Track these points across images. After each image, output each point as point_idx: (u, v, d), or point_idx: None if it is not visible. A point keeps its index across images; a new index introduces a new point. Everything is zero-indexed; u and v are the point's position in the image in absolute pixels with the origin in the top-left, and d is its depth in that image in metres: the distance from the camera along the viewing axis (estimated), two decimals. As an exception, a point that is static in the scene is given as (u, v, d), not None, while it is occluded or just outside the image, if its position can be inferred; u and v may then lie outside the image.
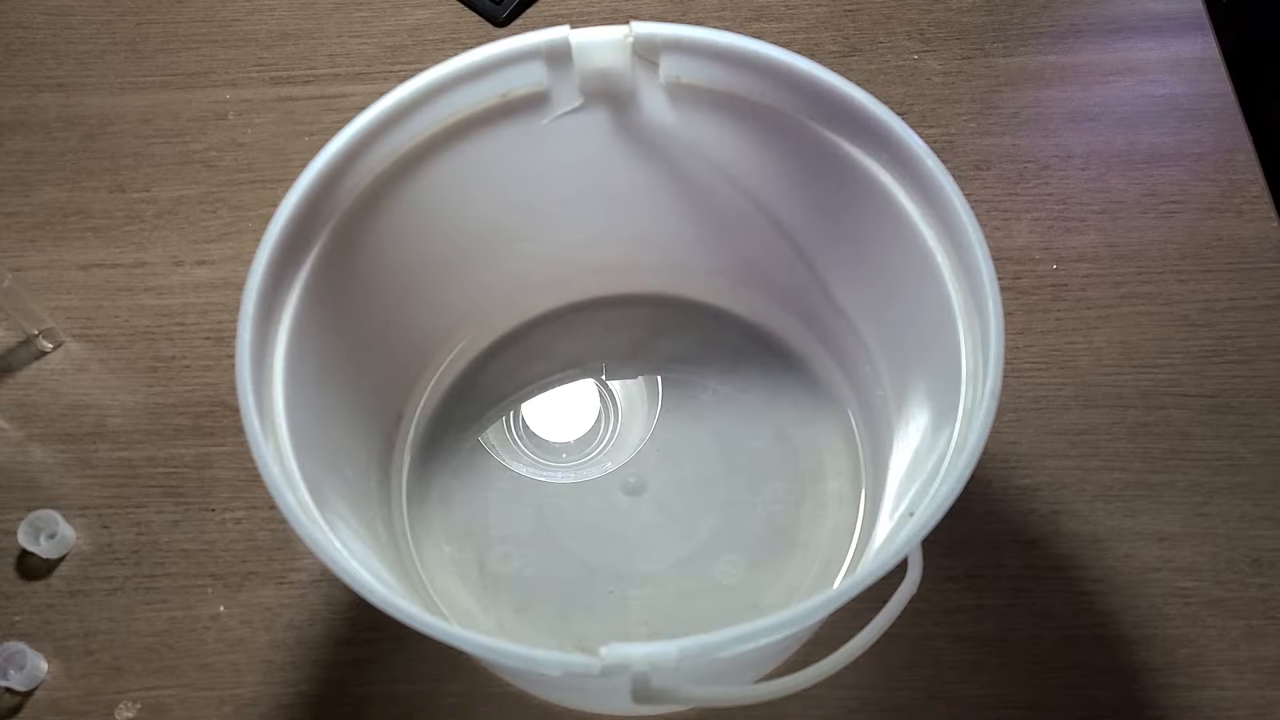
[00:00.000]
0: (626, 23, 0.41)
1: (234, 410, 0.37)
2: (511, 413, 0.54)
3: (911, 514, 0.35)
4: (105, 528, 0.53)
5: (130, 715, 0.49)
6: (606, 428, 0.54)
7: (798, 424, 0.53)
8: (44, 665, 0.49)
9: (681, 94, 0.43)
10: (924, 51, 0.66)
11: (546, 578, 0.50)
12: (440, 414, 0.54)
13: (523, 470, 0.53)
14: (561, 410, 0.54)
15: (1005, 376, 0.36)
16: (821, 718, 0.48)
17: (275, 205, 0.39)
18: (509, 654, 0.32)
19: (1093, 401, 0.54)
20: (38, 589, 0.51)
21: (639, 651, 0.32)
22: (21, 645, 0.49)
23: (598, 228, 0.51)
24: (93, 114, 0.64)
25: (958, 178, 0.37)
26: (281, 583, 0.51)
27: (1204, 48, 0.65)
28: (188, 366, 0.57)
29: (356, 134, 0.41)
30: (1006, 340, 0.37)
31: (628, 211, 0.49)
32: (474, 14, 0.68)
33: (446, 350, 0.54)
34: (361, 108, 0.41)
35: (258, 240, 0.39)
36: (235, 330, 0.37)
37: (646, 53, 0.41)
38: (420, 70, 0.41)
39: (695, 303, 0.56)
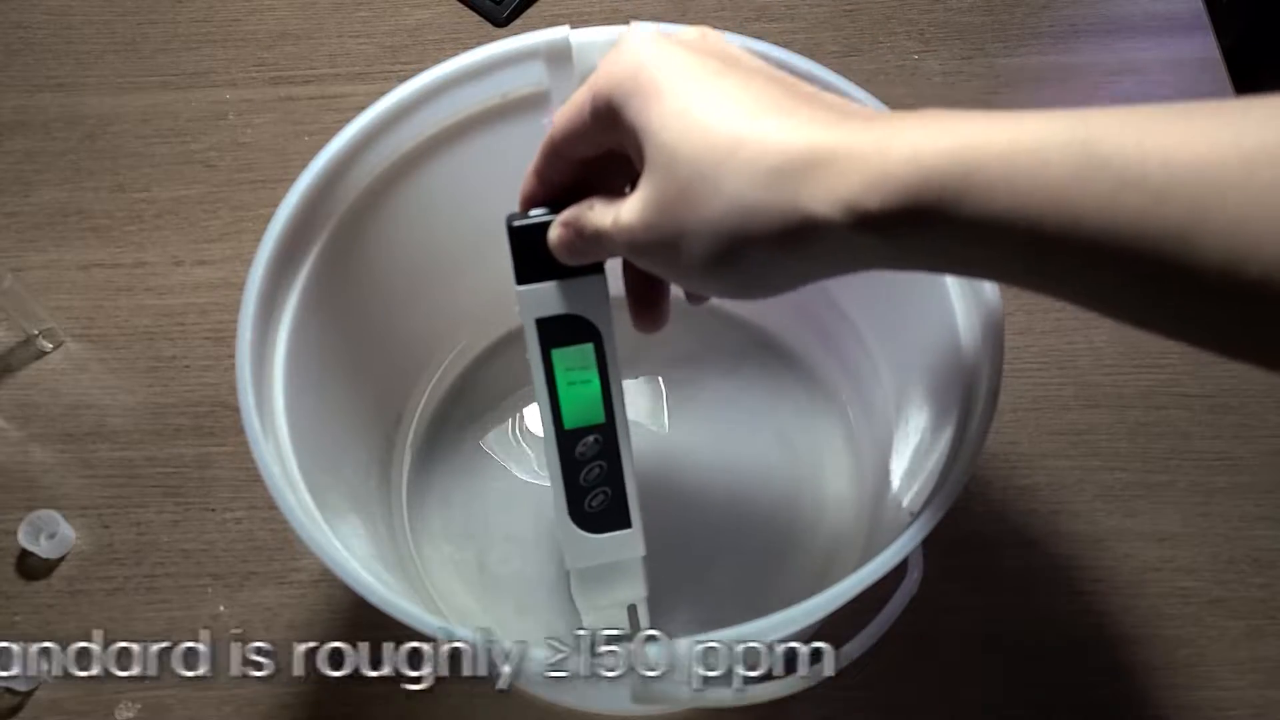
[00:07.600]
0: (627, 23, 0.41)
1: (234, 410, 0.37)
2: (511, 413, 0.54)
3: (912, 514, 0.35)
4: (105, 528, 0.53)
5: (130, 715, 0.49)
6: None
7: (798, 424, 0.53)
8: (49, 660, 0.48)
9: (681, 94, 0.42)
10: (924, 51, 0.66)
11: (547, 578, 0.50)
12: (440, 414, 0.54)
13: (522, 471, 0.53)
14: (561, 410, 0.54)
15: (1005, 376, 0.36)
16: (821, 717, 0.48)
17: (275, 205, 0.39)
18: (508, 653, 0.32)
19: (1093, 401, 0.54)
20: (38, 589, 0.51)
21: (640, 651, 0.32)
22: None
23: (598, 228, 0.51)
24: (93, 114, 0.64)
25: (958, 178, 0.37)
26: (281, 583, 0.51)
27: (1204, 48, 0.65)
28: (188, 366, 0.57)
29: (356, 134, 0.41)
30: (1006, 340, 0.37)
31: (628, 211, 0.49)
32: (474, 14, 0.68)
33: (446, 350, 0.54)
34: (361, 108, 0.41)
35: (258, 240, 0.39)
36: (235, 330, 0.37)
37: (646, 53, 0.41)
38: (420, 70, 0.41)
39: (695, 303, 0.55)
